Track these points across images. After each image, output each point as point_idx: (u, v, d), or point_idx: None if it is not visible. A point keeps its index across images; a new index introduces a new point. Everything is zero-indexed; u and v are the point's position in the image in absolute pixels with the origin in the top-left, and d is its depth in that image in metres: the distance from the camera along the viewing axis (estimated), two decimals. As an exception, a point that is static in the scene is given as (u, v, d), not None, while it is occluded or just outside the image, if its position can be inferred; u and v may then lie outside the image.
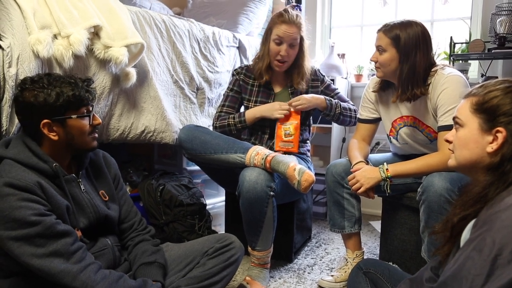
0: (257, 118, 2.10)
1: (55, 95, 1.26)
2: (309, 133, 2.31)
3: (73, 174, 1.36)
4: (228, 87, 2.26)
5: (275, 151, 2.05)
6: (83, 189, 1.38)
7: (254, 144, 2.09)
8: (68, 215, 1.27)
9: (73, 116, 1.31)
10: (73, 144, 1.34)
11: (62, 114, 1.28)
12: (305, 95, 2.09)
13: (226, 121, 2.13)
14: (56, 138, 1.29)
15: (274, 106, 2.08)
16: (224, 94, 2.28)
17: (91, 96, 1.36)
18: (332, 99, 2.16)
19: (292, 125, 2.08)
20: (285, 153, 2.08)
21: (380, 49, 1.79)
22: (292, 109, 2.07)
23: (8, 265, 1.22)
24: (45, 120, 1.26)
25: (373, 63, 1.88)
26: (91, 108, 1.38)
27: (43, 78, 1.28)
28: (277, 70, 2.14)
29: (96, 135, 1.42)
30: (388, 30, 1.77)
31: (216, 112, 2.23)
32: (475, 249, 0.81)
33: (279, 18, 2.06)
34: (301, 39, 2.10)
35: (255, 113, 2.10)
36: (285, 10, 2.08)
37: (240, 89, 2.22)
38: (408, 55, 1.74)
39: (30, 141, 1.29)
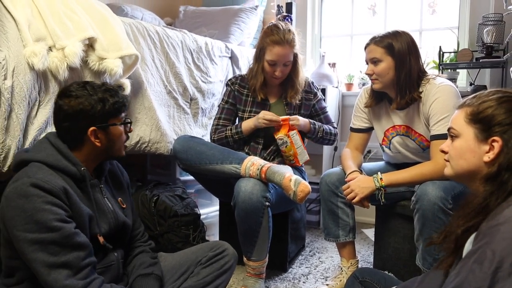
0: (252, 128, 2.10)
1: (101, 102, 1.29)
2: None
3: (97, 180, 1.37)
4: (222, 99, 2.27)
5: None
6: (105, 195, 1.38)
7: (249, 154, 2.10)
8: (90, 223, 1.27)
9: (117, 123, 1.35)
10: (110, 150, 1.36)
11: (106, 121, 1.32)
12: (300, 118, 2.08)
13: (224, 133, 2.14)
14: (99, 144, 1.32)
15: (259, 116, 2.06)
16: (219, 106, 2.28)
17: (127, 102, 1.41)
18: (316, 123, 2.17)
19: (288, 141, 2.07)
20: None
21: (375, 60, 1.81)
22: (280, 120, 2.04)
23: (23, 269, 1.22)
24: (93, 128, 1.29)
25: (363, 72, 1.91)
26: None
27: (86, 86, 1.31)
28: (273, 84, 2.16)
29: (126, 144, 1.45)
30: (379, 41, 1.81)
31: (213, 125, 2.22)
32: (476, 262, 0.82)
33: (270, 38, 2.01)
34: (295, 55, 2.09)
35: (249, 124, 2.11)
36: (276, 27, 2.04)
37: (235, 101, 2.22)
38: (403, 61, 1.77)
39: (61, 143, 1.29)
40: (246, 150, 2.18)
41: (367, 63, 1.87)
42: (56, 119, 1.32)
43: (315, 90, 2.27)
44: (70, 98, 1.28)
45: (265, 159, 2.11)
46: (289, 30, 2.04)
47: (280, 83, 2.17)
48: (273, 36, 2.01)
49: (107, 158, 1.41)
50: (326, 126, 2.22)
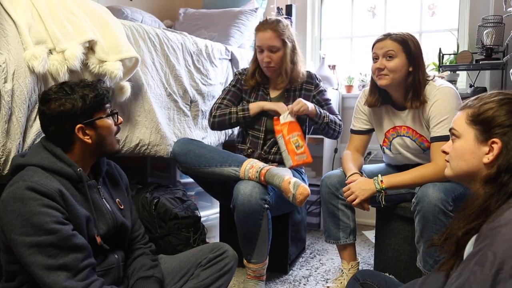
0: (261, 109, 2.12)
1: (81, 99, 1.28)
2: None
3: (94, 180, 1.37)
4: (230, 83, 2.30)
5: (292, 166, 2.05)
6: (102, 196, 1.38)
7: (249, 149, 2.13)
8: (87, 224, 1.27)
9: (103, 116, 1.34)
10: (103, 145, 1.36)
11: (91, 116, 1.31)
12: (301, 99, 2.07)
13: (228, 109, 2.15)
14: (89, 141, 1.31)
15: (280, 104, 2.09)
16: (224, 89, 2.30)
17: (109, 94, 1.40)
18: (321, 109, 2.15)
19: (298, 136, 2.06)
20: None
21: (390, 55, 1.77)
22: (292, 119, 2.05)
23: (23, 273, 1.22)
24: (79, 125, 1.28)
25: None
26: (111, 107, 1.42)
27: (63, 87, 1.30)
28: (268, 74, 2.17)
29: (119, 137, 1.44)
30: (395, 37, 1.78)
31: (215, 104, 2.22)
32: (477, 264, 0.82)
33: (256, 27, 2.14)
34: (284, 43, 2.09)
35: (260, 105, 2.13)
36: (266, 18, 2.15)
37: (242, 88, 2.26)
38: (416, 61, 1.78)
39: (54, 147, 1.29)
40: (248, 145, 2.19)
41: (376, 59, 1.81)
42: (42, 125, 1.32)
43: (316, 81, 2.25)
44: (50, 102, 1.27)
45: (265, 152, 2.14)
46: (276, 20, 2.12)
47: (277, 76, 2.17)
48: (258, 25, 2.14)
49: (102, 154, 1.40)
50: (331, 115, 2.19)
